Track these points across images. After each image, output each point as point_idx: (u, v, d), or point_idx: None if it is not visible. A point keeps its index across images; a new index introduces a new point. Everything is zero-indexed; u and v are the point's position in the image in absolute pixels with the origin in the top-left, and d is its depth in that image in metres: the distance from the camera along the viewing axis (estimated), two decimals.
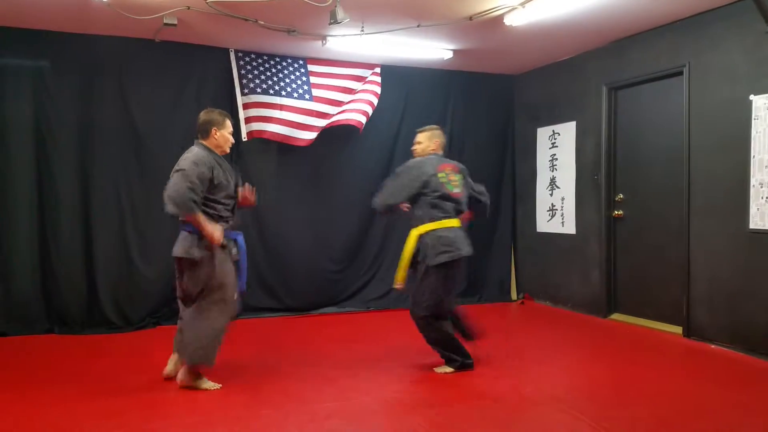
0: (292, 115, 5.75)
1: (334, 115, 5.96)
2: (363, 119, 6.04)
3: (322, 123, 5.89)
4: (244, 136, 5.64)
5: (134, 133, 5.43)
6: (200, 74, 5.65)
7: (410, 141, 6.38)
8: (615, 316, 5.72)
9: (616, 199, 5.71)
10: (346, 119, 5.93)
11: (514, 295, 6.86)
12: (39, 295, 5.21)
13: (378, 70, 6.21)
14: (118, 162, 5.40)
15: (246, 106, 5.65)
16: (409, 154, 6.43)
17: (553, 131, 6.37)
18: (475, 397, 3.50)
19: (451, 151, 6.58)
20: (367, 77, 6.17)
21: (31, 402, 3.42)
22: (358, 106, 6.03)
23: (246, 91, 5.65)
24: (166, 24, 4.71)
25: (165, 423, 3.12)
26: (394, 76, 6.31)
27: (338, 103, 6.01)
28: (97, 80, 5.32)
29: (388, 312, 6.08)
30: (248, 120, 5.66)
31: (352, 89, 6.10)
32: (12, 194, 5.13)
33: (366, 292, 6.33)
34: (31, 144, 5.15)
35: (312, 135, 5.84)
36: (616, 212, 5.71)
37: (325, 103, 5.93)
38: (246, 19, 4.71)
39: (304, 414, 3.22)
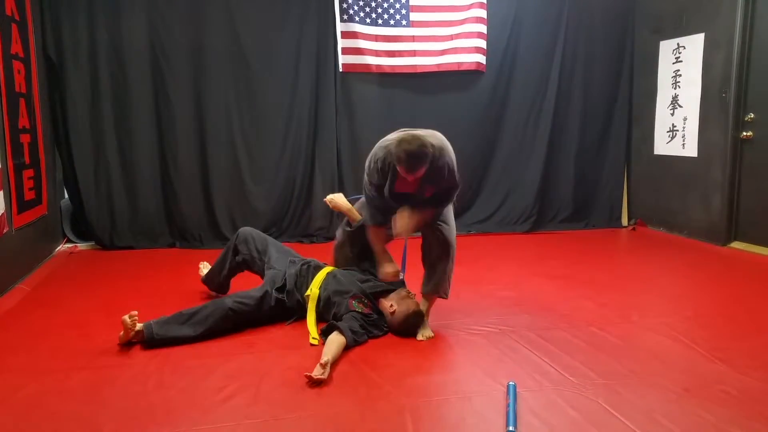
0: (387, 45, 5.75)
1: (438, 44, 5.83)
2: (482, 58, 5.94)
3: (423, 47, 5.80)
4: (340, 67, 5.70)
5: (241, 56, 5.52)
6: None
7: (521, 57, 6.17)
8: (735, 244, 5.36)
9: (746, 119, 5.22)
10: (466, 63, 5.87)
11: (625, 221, 6.57)
12: (161, 213, 5.59)
13: None
14: (229, 84, 5.55)
15: (344, 35, 5.66)
16: (522, 71, 6.15)
17: (678, 44, 5.84)
18: (580, 323, 3.42)
19: (562, 66, 6.24)
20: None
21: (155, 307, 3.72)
22: (472, 43, 5.87)
23: (345, 17, 5.63)
24: None
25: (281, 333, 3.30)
26: None
27: (440, 24, 5.83)
28: (204, 1, 5.40)
29: (489, 236, 6.05)
30: (345, 51, 5.69)
31: (457, 6, 5.86)
32: (134, 116, 5.42)
33: (468, 215, 6.25)
34: (148, 66, 5.38)
35: (411, 61, 5.80)
36: (745, 133, 5.24)
37: (425, 26, 5.81)
38: None
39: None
